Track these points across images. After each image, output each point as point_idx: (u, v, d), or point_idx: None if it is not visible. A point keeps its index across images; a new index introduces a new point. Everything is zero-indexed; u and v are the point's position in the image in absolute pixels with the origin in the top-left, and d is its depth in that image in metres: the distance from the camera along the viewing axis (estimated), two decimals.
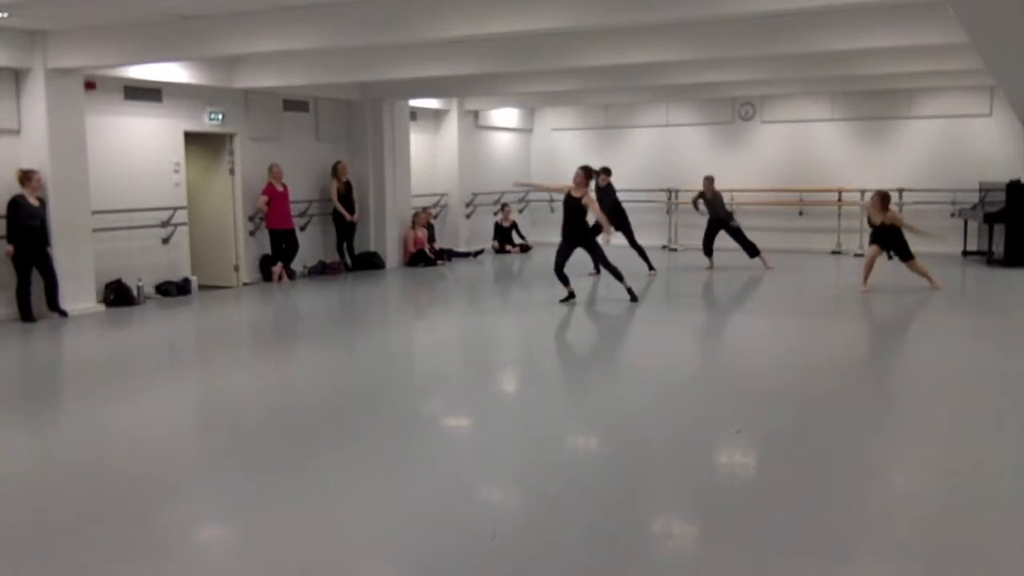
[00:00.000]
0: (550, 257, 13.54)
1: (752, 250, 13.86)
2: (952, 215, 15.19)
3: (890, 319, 10.31)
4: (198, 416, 6.52)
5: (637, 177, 16.66)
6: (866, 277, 11.34)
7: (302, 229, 13.47)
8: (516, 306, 11.61)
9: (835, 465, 4.98)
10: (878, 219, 11.21)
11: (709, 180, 13.89)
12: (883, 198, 11.25)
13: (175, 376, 7.69)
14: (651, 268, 13.04)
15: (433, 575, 3.71)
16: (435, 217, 15.85)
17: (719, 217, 13.95)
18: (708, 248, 14.07)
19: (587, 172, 10.47)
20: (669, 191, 17.17)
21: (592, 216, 10.63)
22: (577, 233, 10.48)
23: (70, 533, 4.13)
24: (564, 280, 10.42)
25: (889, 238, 11.27)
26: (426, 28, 8.29)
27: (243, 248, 12.58)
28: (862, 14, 8.84)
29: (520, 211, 17.63)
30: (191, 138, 11.89)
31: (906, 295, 12.20)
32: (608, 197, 12.91)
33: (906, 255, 11.36)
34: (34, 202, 9.57)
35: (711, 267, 13.97)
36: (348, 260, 14.12)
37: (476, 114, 17.06)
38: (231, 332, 9.69)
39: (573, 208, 10.35)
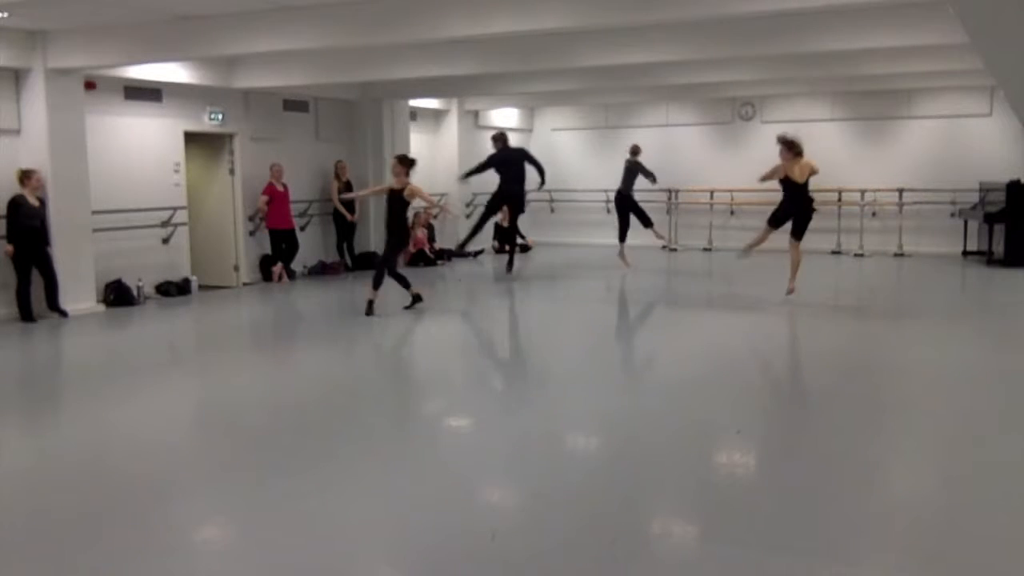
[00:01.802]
0: (550, 257, 13.61)
1: (622, 237, 13.79)
2: (952, 215, 15.20)
3: (889, 319, 10.30)
4: (198, 416, 6.52)
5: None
6: (794, 275, 10.04)
7: (302, 229, 13.46)
8: (514, 305, 11.60)
9: (835, 465, 4.98)
10: (800, 174, 9.67)
11: (635, 148, 13.85)
12: (795, 146, 9.68)
13: (175, 376, 7.69)
14: (509, 270, 12.82)
15: (433, 575, 3.71)
16: (435, 217, 15.81)
17: (622, 192, 13.74)
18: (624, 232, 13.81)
19: (401, 160, 9.74)
20: (669, 191, 17.15)
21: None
22: (399, 229, 9.88)
23: (70, 533, 4.13)
24: (405, 283, 9.84)
25: (802, 204, 9.86)
26: (426, 28, 8.29)
27: (243, 248, 12.58)
28: (862, 14, 8.85)
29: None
30: (191, 138, 11.88)
31: (905, 295, 12.20)
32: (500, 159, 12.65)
33: (801, 232, 10.01)
34: (34, 202, 9.57)
35: (626, 261, 13.64)
36: (348, 260, 14.12)
37: (476, 114, 17.06)
38: (231, 332, 9.69)
39: (394, 202, 9.68)
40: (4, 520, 4.32)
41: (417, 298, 9.86)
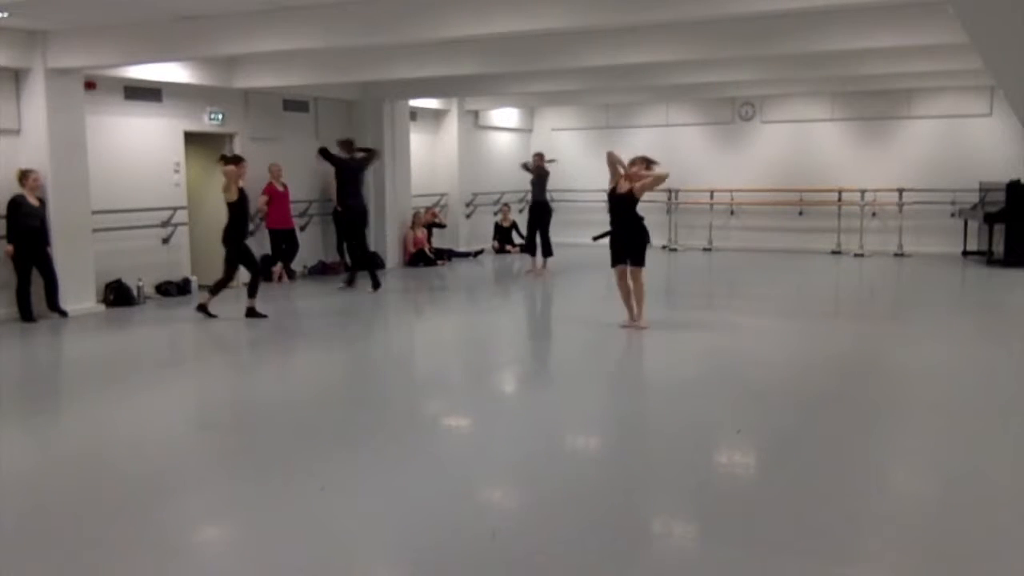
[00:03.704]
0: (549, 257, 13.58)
1: (547, 251, 13.25)
2: (952, 215, 15.21)
3: (889, 319, 10.31)
4: (198, 416, 6.52)
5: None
6: (631, 306, 8.82)
7: (302, 229, 13.46)
8: (514, 306, 11.61)
9: (836, 465, 4.98)
10: (626, 185, 8.57)
11: (538, 155, 13.40)
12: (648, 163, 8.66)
13: (175, 376, 7.69)
14: (348, 283, 11.75)
15: (433, 575, 3.71)
16: (436, 218, 15.73)
17: (539, 201, 13.26)
18: (532, 244, 13.36)
19: (225, 159, 9.47)
20: (669, 191, 17.16)
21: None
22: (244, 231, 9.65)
23: (71, 532, 4.13)
24: (218, 290, 9.68)
25: (630, 224, 8.66)
26: (426, 28, 8.30)
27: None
28: (862, 14, 8.85)
29: (520, 211, 17.63)
30: (191, 138, 11.88)
31: (906, 296, 12.20)
32: (344, 174, 11.59)
33: (642, 258, 8.68)
34: (34, 202, 9.57)
35: (534, 269, 13.20)
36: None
37: (476, 114, 17.07)
38: (231, 332, 9.68)
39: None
40: (4, 520, 4.32)
41: (205, 309, 9.70)
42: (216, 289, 9.79)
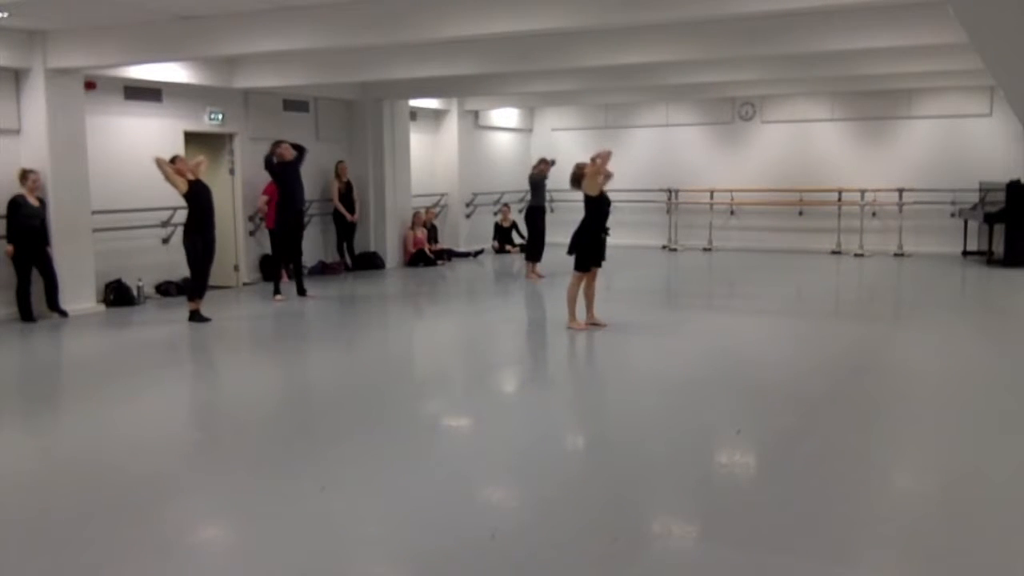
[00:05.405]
0: (550, 256, 13.59)
1: (537, 254, 12.90)
2: (952, 215, 15.21)
3: (889, 319, 10.30)
4: (198, 416, 6.52)
5: (637, 177, 16.67)
6: (590, 307, 8.91)
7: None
8: (514, 307, 11.60)
9: (835, 465, 4.98)
10: (597, 189, 8.51)
11: (543, 162, 13.01)
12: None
13: (175, 376, 7.69)
14: (276, 293, 11.21)
15: (433, 575, 3.71)
16: (436, 217, 15.76)
17: (536, 205, 12.91)
18: (536, 248, 12.92)
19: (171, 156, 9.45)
20: (669, 191, 17.18)
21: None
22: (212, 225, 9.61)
23: (71, 533, 4.13)
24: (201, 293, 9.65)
25: (603, 224, 8.65)
26: (426, 28, 8.30)
27: (243, 248, 12.58)
28: (862, 14, 8.85)
29: (520, 211, 17.64)
30: (191, 138, 11.88)
31: (906, 296, 12.19)
32: (286, 177, 10.96)
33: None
34: (34, 202, 9.57)
35: (536, 273, 12.75)
36: (348, 260, 14.12)
37: (476, 114, 17.07)
38: (231, 332, 9.70)
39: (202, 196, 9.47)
40: (4, 520, 4.32)
41: (196, 314, 9.65)
42: (191, 292, 9.70)
